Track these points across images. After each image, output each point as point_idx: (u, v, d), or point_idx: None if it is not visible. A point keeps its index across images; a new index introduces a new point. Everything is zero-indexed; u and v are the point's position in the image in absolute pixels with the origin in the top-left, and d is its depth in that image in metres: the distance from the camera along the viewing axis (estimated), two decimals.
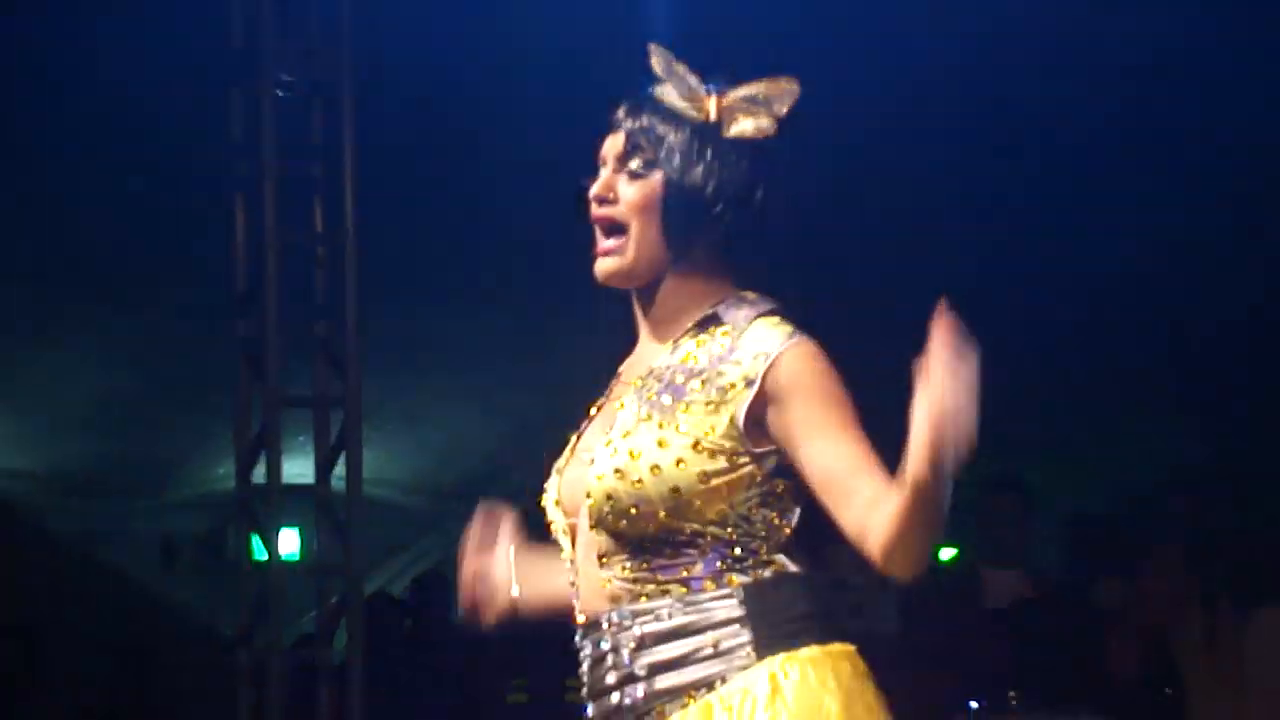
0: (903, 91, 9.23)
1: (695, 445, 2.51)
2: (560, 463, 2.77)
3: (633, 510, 2.53)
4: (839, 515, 2.44)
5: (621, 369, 2.88)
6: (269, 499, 7.90)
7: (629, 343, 2.87)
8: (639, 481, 2.51)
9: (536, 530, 3.02)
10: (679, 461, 2.51)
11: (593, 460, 2.59)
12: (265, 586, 7.98)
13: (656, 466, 2.50)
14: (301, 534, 9.09)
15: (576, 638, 2.72)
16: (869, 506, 2.39)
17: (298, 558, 9.12)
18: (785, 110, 2.73)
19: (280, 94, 7.50)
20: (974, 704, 7.56)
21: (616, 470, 2.52)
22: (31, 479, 11.29)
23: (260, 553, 8.14)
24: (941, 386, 2.17)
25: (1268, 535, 8.55)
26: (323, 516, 8.16)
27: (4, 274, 9.70)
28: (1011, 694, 7.45)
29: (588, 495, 2.58)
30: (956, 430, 2.17)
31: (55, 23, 8.56)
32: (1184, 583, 7.86)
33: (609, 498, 2.51)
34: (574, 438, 2.81)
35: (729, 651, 2.52)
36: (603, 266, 2.64)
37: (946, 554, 9.63)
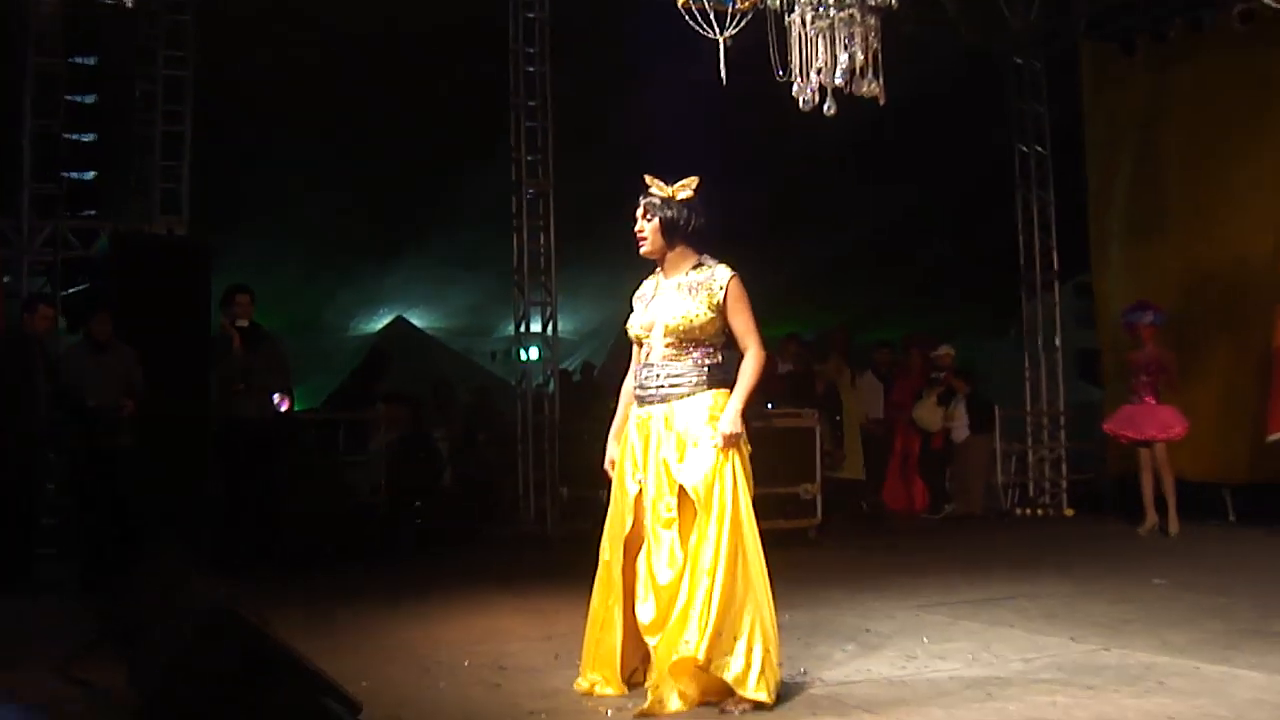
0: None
1: (705, 306, 5.81)
2: (639, 314, 6.02)
3: (683, 330, 5.83)
4: (740, 346, 5.89)
5: (647, 289, 6.10)
6: (527, 337, 14.28)
7: (643, 278, 6.21)
8: (686, 319, 5.84)
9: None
10: (700, 314, 5.83)
11: (667, 315, 5.83)
12: (526, 369, 14.29)
13: (692, 315, 5.84)
14: (539, 349, 14.32)
15: (643, 368, 6.00)
16: (745, 352, 5.86)
17: (537, 357, 14.35)
18: (697, 185, 6.01)
19: None
20: (770, 405, 12.53)
21: (676, 316, 5.86)
22: (443, 329, 18.36)
23: (525, 357, 14.45)
24: (729, 434, 5.67)
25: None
26: (544, 344, 14.33)
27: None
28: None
29: (665, 326, 5.87)
30: (727, 438, 5.68)
31: None
32: (838, 366, 14.71)
33: (674, 325, 5.84)
34: (643, 306, 6.06)
35: (698, 383, 5.84)
36: (642, 250, 5.97)
37: None
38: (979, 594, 9.07)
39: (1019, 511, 15.92)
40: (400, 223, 17.24)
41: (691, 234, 5.99)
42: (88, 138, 12.64)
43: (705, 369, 5.87)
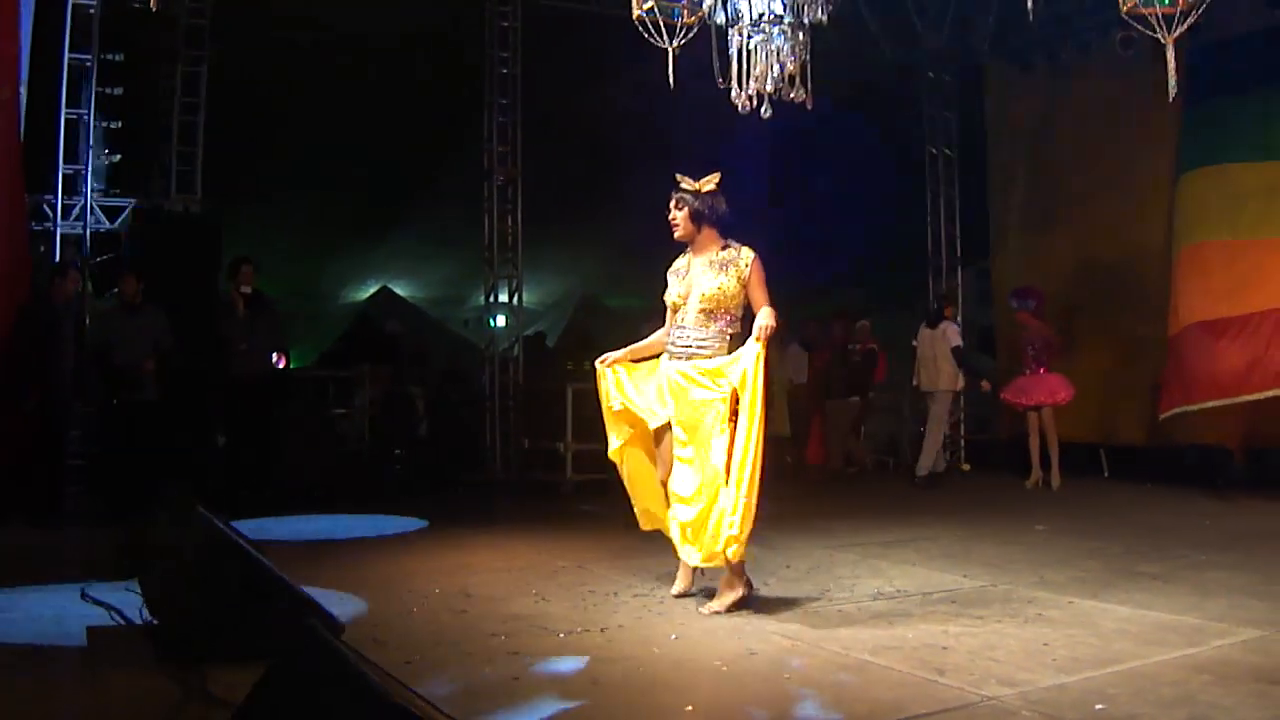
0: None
1: (734, 280, 6.41)
2: (675, 285, 6.55)
3: (715, 299, 6.45)
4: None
5: (681, 265, 6.60)
6: (495, 308, 14.39)
7: (673, 255, 6.68)
8: (719, 289, 6.43)
9: None
10: (730, 286, 6.43)
11: (702, 286, 6.41)
12: (494, 335, 14.43)
13: (723, 287, 6.44)
14: (505, 318, 14.40)
15: (676, 329, 6.58)
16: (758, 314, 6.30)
17: (504, 325, 14.42)
18: (718, 180, 6.54)
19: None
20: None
21: (711, 287, 6.43)
22: (423, 299, 18.03)
23: (493, 324, 14.57)
24: (767, 324, 6.09)
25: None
26: (511, 313, 14.43)
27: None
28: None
29: (701, 294, 6.44)
30: (769, 328, 6.09)
31: None
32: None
33: (709, 294, 6.45)
34: (678, 279, 6.57)
35: (718, 349, 6.42)
36: (676, 235, 6.54)
37: None
38: (886, 536, 9.19)
39: None
40: (385, 204, 17.21)
41: (715, 220, 6.51)
42: (115, 125, 12.58)
43: (727, 338, 6.44)
